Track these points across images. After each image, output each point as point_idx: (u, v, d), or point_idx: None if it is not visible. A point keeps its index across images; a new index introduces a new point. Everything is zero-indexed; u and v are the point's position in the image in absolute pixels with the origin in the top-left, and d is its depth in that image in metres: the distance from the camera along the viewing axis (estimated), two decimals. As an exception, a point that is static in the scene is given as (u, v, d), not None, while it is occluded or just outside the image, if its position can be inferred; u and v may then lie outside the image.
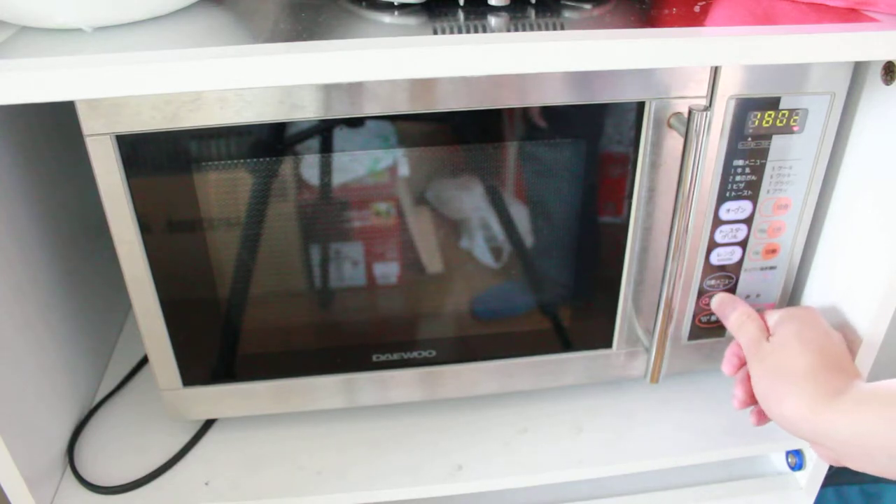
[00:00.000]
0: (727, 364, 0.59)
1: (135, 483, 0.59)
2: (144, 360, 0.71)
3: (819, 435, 0.49)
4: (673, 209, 0.51)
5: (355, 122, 0.50)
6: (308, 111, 0.48)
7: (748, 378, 0.55)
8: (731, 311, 0.58)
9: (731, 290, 0.61)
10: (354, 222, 0.54)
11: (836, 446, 0.48)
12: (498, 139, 0.52)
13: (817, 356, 0.51)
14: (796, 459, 0.65)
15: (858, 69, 0.53)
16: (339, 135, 0.50)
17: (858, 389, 0.48)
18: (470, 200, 0.55)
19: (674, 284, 0.54)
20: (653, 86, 0.50)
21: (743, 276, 0.60)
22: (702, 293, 0.60)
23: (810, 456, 0.64)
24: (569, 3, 0.50)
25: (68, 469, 0.60)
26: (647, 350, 0.59)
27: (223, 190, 0.51)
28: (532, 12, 0.48)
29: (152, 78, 0.41)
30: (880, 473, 0.47)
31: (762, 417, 0.57)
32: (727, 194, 0.56)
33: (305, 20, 0.47)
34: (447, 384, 0.63)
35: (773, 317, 0.56)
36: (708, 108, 0.48)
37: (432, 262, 0.57)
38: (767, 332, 0.55)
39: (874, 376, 0.52)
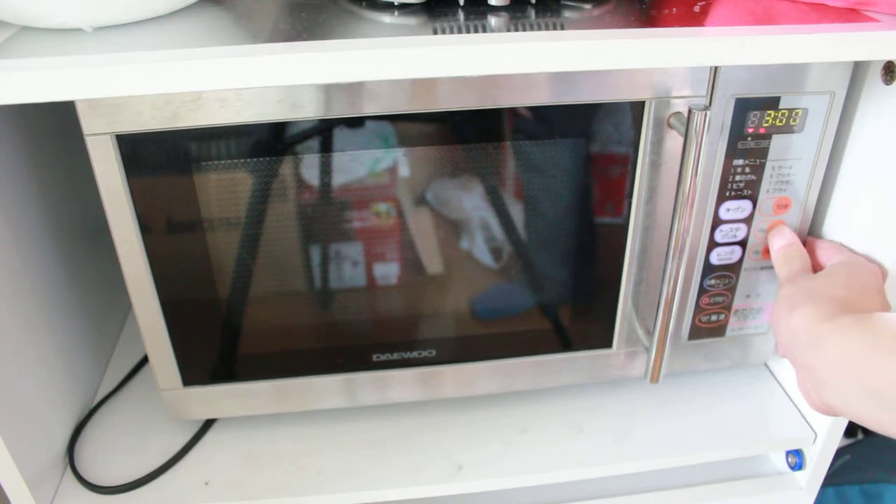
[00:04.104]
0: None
1: (135, 483, 0.59)
2: (144, 360, 0.71)
3: (812, 350, 0.46)
4: (673, 209, 0.51)
5: (355, 122, 0.50)
6: (308, 111, 0.48)
7: None
8: (780, 241, 0.56)
9: (731, 289, 0.61)
10: (354, 222, 0.54)
11: (822, 369, 0.46)
12: (498, 139, 0.52)
13: (857, 296, 0.48)
14: (796, 459, 0.65)
15: (858, 69, 0.53)
16: (339, 135, 0.50)
17: (865, 314, 0.46)
18: (470, 200, 0.55)
19: (674, 284, 0.54)
20: (653, 86, 0.50)
21: (743, 276, 0.60)
22: (702, 293, 0.60)
23: (810, 456, 0.64)
24: (569, 3, 0.50)
25: (68, 469, 0.60)
26: (647, 350, 0.59)
27: (223, 190, 0.51)
28: (532, 12, 0.48)
29: (152, 78, 0.41)
30: (854, 416, 0.45)
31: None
32: (727, 194, 0.56)
33: (305, 20, 0.47)
34: (447, 384, 0.63)
35: (833, 258, 0.54)
36: (708, 108, 0.48)
37: (432, 262, 0.57)
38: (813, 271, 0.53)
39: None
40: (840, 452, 0.86)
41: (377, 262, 0.57)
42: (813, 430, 0.63)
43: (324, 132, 0.50)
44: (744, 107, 0.52)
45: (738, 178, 0.55)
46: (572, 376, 0.64)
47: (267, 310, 0.57)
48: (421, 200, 0.54)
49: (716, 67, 0.50)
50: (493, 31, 0.45)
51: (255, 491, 0.59)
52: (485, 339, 0.61)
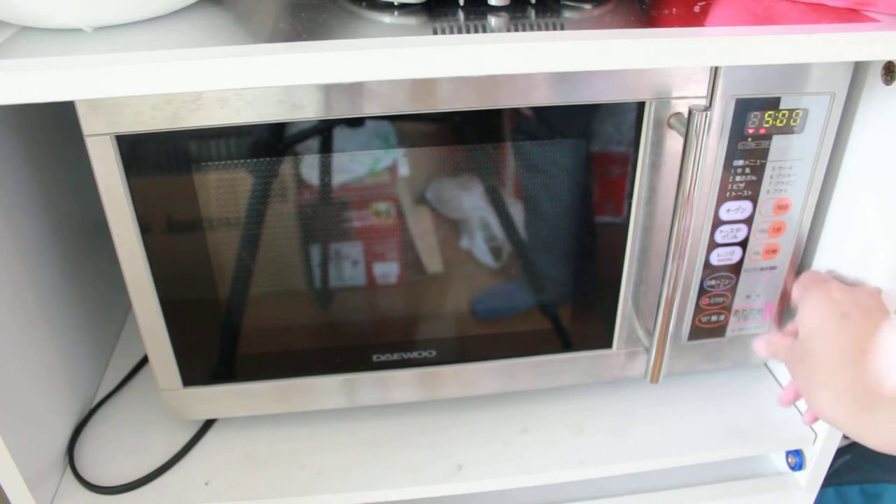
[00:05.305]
0: (763, 345, 0.58)
1: (135, 483, 0.59)
2: (144, 360, 0.71)
3: (861, 437, 0.47)
4: (673, 209, 0.51)
5: (355, 122, 0.50)
6: (308, 111, 0.48)
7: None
8: (764, 344, 0.57)
9: (731, 290, 0.61)
10: (354, 222, 0.54)
11: (876, 446, 0.47)
12: (498, 139, 0.52)
13: (863, 338, 0.49)
14: (796, 459, 0.65)
15: (858, 69, 0.53)
16: (339, 135, 0.50)
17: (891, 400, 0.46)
18: (470, 200, 0.55)
19: (674, 284, 0.54)
20: (653, 86, 0.50)
21: (743, 277, 0.60)
22: (702, 293, 0.60)
23: (810, 456, 0.64)
24: (569, 3, 0.50)
25: (68, 469, 0.60)
26: (647, 350, 0.59)
27: (223, 190, 0.51)
28: (532, 12, 0.48)
29: (152, 78, 0.41)
30: None
31: (811, 415, 0.57)
32: (727, 194, 0.56)
33: (305, 20, 0.47)
34: (447, 384, 0.63)
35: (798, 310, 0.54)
36: (708, 108, 0.48)
37: (432, 262, 0.57)
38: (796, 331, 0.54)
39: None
40: (840, 452, 0.86)
41: (377, 261, 0.57)
42: (813, 430, 0.63)
43: (324, 132, 0.50)
44: (744, 107, 0.52)
45: (738, 178, 0.55)
46: (572, 376, 0.64)
47: (267, 310, 0.57)
48: (421, 200, 0.54)
49: (716, 68, 0.50)
50: (493, 31, 0.45)
51: (255, 491, 0.59)
52: (485, 339, 0.61)
